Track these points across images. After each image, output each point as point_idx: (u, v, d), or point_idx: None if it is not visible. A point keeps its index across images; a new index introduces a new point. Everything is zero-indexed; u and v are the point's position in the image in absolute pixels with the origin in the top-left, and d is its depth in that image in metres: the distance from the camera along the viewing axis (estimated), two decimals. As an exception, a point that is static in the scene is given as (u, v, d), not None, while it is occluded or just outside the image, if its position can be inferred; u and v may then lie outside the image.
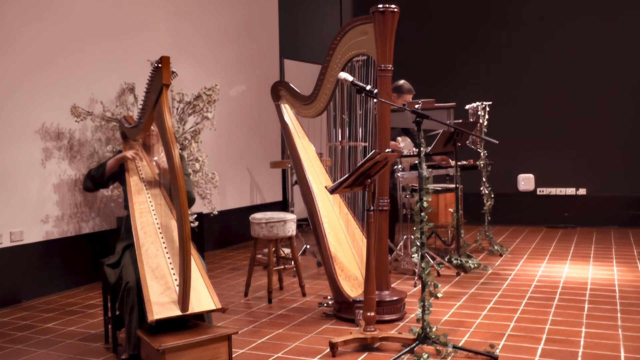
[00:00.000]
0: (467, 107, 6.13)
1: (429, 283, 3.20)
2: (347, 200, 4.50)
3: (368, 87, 3.36)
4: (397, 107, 3.82)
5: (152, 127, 3.54)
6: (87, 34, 5.08)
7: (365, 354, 3.24)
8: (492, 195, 6.12)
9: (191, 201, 3.48)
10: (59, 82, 4.86)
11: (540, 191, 8.01)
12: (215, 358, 2.87)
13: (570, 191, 7.86)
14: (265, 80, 6.96)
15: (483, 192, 6.07)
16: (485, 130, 5.96)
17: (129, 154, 3.56)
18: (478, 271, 5.20)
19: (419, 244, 3.24)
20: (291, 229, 4.47)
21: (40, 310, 4.35)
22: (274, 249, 4.61)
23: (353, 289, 3.93)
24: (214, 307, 2.94)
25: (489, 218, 6.16)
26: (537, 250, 6.14)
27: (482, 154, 6.07)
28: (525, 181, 8.06)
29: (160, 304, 2.86)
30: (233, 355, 3.03)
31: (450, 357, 3.12)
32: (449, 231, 6.12)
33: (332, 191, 3.40)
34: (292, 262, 4.67)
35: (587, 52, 7.73)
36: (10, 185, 4.52)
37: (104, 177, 3.58)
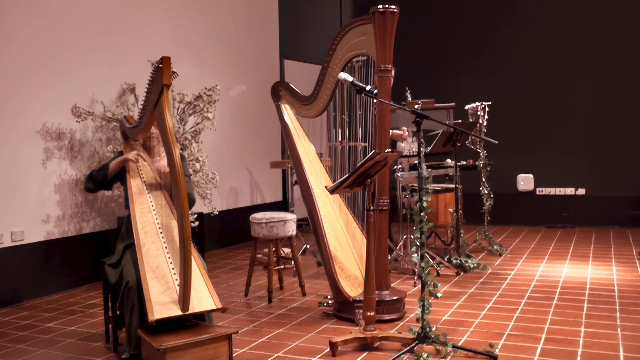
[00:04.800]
0: (466, 107, 6.15)
1: (428, 283, 3.21)
2: (347, 200, 4.51)
3: (368, 88, 3.37)
4: (397, 107, 3.84)
5: (152, 130, 3.55)
6: (87, 35, 5.09)
7: (365, 354, 3.26)
8: (492, 195, 6.13)
9: (191, 202, 3.49)
10: (60, 83, 4.87)
11: (539, 191, 8.02)
12: (215, 357, 2.87)
13: (570, 191, 7.87)
14: (265, 80, 6.97)
15: (482, 192, 6.09)
16: (485, 130, 5.98)
17: (131, 155, 3.56)
18: (477, 271, 5.21)
19: (418, 243, 3.25)
20: (291, 229, 4.48)
21: (41, 309, 4.36)
22: (274, 249, 4.62)
23: (353, 288, 3.94)
24: (214, 307, 2.95)
25: (489, 218, 6.17)
26: (536, 250, 6.15)
27: (481, 154, 6.08)
28: (525, 181, 8.07)
29: (161, 303, 2.87)
30: (233, 355, 3.04)
31: (449, 357, 3.13)
32: (449, 231, 6.13)
33: (332, 191, 3.41)
34: (292, 262, 4.68)
35: (587, 52, 7.74)
36: (11, 185, 4.53)
37: (106, 178, 3.57)
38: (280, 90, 4.67)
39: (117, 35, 5.36)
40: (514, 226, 7.87)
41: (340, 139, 5.10)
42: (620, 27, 7.60)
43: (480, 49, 8.26)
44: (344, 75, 3.52)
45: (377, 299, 3.53)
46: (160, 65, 2.85)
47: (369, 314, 3.36)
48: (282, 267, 4.69)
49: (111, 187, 3.73)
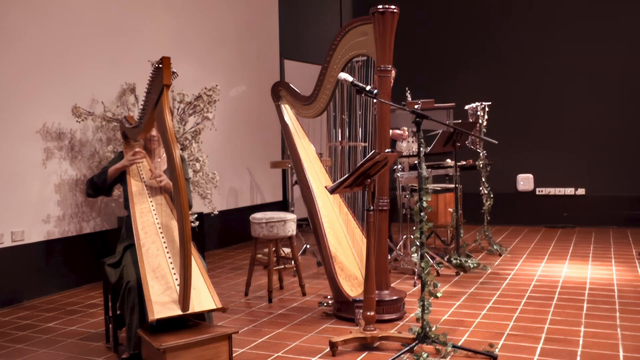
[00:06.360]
0: (466, 107, 6.15)
1: (428, 282, 3.21)
2: (347, 200, 4.51)
3: (368, 88, 3.38)
4: (397, 107, 3.84)
5: (153, 133, 3.54)
6: (88, 35, 5.10)
7: (365, 353, 3.26)
8: (492, 195, 6.13)
9: (189, 207, 3.46)
10: (60, 83, 4.87)
11: (539, 191, 8.02)
12: (215, 357, 2.88)
13: (569, 191, 7.88)
14: (265, 80, 6.98)
15: (482, 192, 6.09)
16: (485, 130, 5.98)
17: (128, 160, 3.51)
18: (477, 271, 5.22)
19: (418, 243, 3.26)
20: (291, 229, 4.48)
21: (41, 309, 4.37)
22: (274, 249, 4.62)
23: (353, 288, 3.94)
24: (214, 307, 2.95)
25: (488, 218, 6.17)
26: (536, 250, 6.15)
27: (481, 154, 6.08)
28: (525, 181, 8.07)
29: (161, 303, 2.87)
30: (233, 355, 3.04)
31: (449, 357, 3.14)
32: (449, 231, 6.13)
33: (332, 191, 3.42)
34: (292, 262, 4.68)
35: (586, 52, 7.74)
36: (11, 185, 4.53)
37: (105, 184, 3.55)
38: (280, 90, 4.67)
39: (117, 36, 5.36)
40: (513, 226, 7.88)
41: (340, 139, 5.10)
42: (620, 28, 7.60)
43: (481, 49, 8.27)
44: (344, 76, 3.52)
45: (377, 299, 3.53)
46: (160, 66, 2.85)
47: (369, 313, 3.36)
48: (282, 267, 4.69)
49: (111, 193, 3.66)
